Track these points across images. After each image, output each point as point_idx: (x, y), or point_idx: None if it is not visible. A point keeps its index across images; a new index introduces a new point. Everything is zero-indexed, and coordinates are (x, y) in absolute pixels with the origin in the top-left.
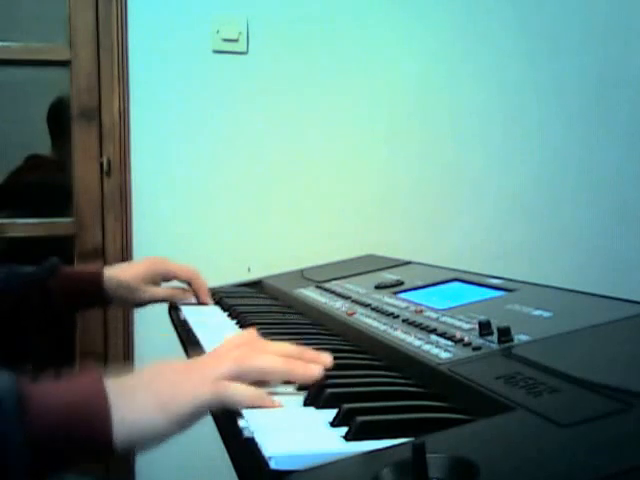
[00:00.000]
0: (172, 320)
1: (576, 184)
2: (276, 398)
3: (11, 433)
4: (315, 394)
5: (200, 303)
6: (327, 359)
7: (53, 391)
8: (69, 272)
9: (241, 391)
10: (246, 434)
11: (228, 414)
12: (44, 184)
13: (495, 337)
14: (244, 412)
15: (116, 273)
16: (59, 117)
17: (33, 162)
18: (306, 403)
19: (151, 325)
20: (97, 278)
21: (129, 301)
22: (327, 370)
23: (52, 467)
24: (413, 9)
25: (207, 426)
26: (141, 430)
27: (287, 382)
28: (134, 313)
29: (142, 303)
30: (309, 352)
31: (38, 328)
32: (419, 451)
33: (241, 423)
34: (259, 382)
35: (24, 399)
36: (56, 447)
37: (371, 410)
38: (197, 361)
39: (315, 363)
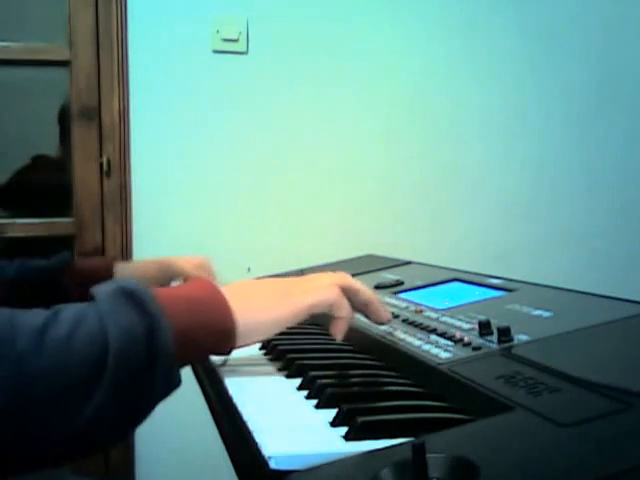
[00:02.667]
0: None
1: (576, 184)
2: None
3: (158, 323)
4: (312, 388)
5: None
6: (388, 317)
7: (173, 290)
8: (81, 265)
9: (346, 304)
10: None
11: (228, 413)
12: (52, 184)
13: (495, 337)
14: (244, 411)
15: (128, 267)
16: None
17: (40, 162)
18: (316, 404)
19: None
20: (109, 271)
21: None
22: (324, 369)
23: (189, 358)
24: (413, 9)
25: (207, 426)
26: (260, 315)
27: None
28: None
29: None
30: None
31: None
32: (419, 451)
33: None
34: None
35: (156, 295)
36: (192, 337)
37: (371, 410)
38: (303, 277)
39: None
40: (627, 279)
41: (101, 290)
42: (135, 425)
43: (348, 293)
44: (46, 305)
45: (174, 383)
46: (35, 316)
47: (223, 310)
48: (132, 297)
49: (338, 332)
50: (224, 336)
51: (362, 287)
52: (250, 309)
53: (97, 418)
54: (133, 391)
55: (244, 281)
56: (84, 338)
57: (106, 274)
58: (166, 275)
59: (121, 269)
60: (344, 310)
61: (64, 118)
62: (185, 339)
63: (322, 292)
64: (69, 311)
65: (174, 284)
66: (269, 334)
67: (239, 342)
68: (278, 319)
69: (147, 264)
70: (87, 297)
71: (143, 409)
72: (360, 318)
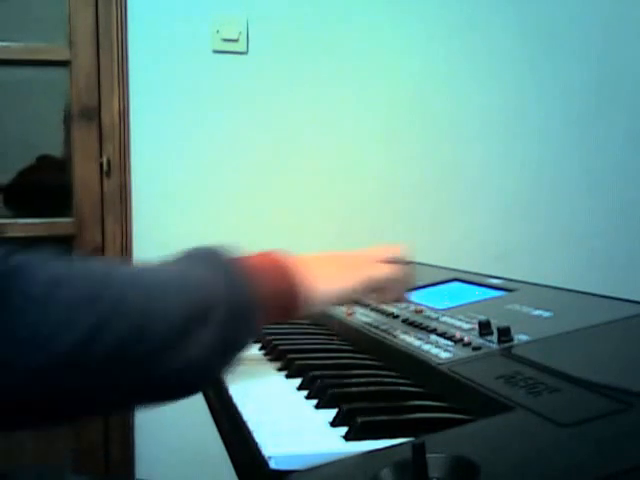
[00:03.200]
0: None
1: (576, 184)
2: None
3: (241, 286)
4: (312, 388)
5: None
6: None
7: (249, 259)
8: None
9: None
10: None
11: (228, 412)
12: (54, 184)
13: (495, 337)
14: (243, 411)
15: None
16: None
17: (44, 162)
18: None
19: None
20: None
21: None
22: (324, 369)
23: (267, 316)
24: (413, 9)
25: (207, 426)
26: (326, 287)
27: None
28: None
29: None
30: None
31: None
32: (419, 451)
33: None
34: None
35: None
36: (268, 298)
37: (371, 410)
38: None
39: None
40: (627, 279)
41: (192, 251)
42: (222, 367)
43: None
44: None
45: (254, 336)
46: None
47: (296, 277)
48: (218, 258)
49: (388, 300)
50: (295, 299)
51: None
52: (317, 278)
53: (198, 356)
54: (226, 335)
55: (312, 254)
56: (189, 282)
57: None
58: None
59: None
60: (397, 292)
61: (68, 118)
62: (263, 298)
63: (383, 269)
64: (170, 263)
65: None
66: (333, 303)
67: (309, 307)
68: (343, 289)
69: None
70: None
71: (231, 354)
72: (359, 317)
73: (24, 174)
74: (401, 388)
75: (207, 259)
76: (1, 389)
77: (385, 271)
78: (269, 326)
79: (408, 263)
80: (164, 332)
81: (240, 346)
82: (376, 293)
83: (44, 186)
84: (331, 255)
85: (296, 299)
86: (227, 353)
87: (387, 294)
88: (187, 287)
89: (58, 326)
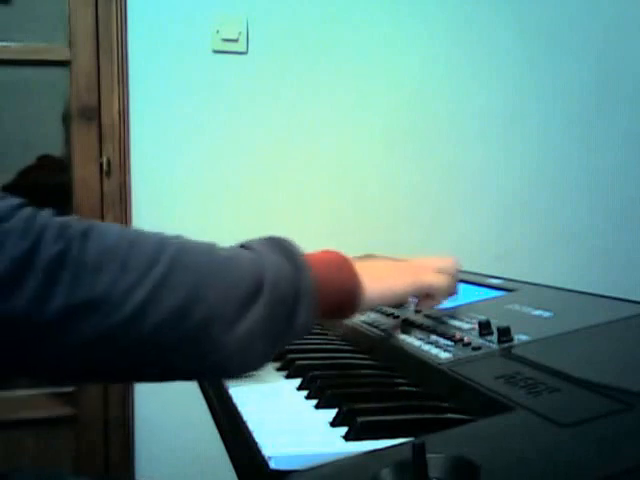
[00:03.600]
0: None
1: (576, 184)
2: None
3: (302, 267)
4: (312, 388)
5: None
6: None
7: (310, 253)
8: None
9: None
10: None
11: (228, 412)
12: (55, 184)
13: (495, 337)
14: (243, 411)
15: None
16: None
17: (45, 162)
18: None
19: None
20: None
21: None
22: (324, 369)
23: (322, 309)
24: (413, 9)
25: (207, 426)
26: (383, 286)
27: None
28: None
29: None
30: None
31: None
32: (419, 451)
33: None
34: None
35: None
36: (327, 290)
37: (371, 410)
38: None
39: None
40: (627, 279)
41: (254, 240)
42: (273, 352)
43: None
44: None
45: (310, 324)
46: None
47: (353, 275)
48: (283, 245)
49: (427, 307)
50: (352, 296)
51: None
52: (375, 278)
53: (250, 332)
54: (281, 318)
55: (370, 258)
56: (246, 261)
57: None
58: None
59: None
60: (440, 300)
61: (68, 118)
62: (322, 290)
63: (434, 276)
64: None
65: None
66: (389, 302)
67: (363, 305)
68: (395, 290)
69: None
70: None
71: (284, 338)
72: (361, 319)
73: (24, 174)
74: (401, 388)
75: (280, 246)
76: (73, 349)
77: (436, 279)
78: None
79: (456, 274)
80: (224, 300)
81: (296, 331)
82: (422, 299)
83: (44, 186)
84: (386, 260)
85: (354, 296)
86: (279, 335)
87: (432, 301)
88: (253, 265)
89: (128, 287)
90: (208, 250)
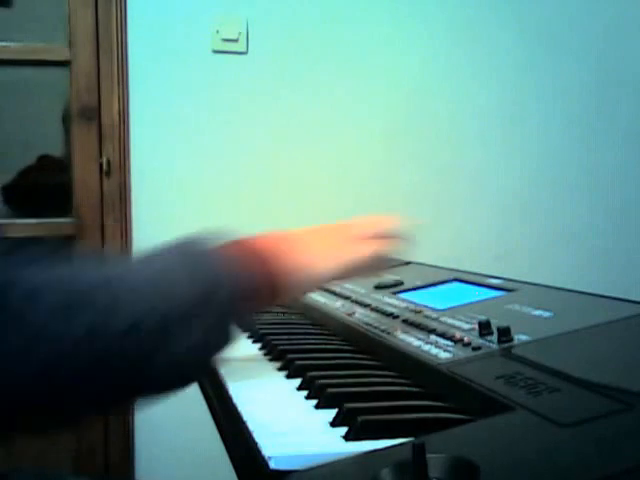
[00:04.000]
0: None
1: (576, 184)
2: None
3: (217, 280)
4: (312, 388)
5: None
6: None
7: (226, 248)
8: None
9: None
10: (248, 437)
11: (228, 412)
12: (55, 184)
13: (495, 337)
14: (243, 411)
15: None
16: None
17: (45, 162)
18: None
19: None
20: None
21: None
22: (324, 369)
23: (246, 308)
24: (412, 9)
25: (207, 426)
26: (307, 276)
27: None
28: None
29: None
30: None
31: None
32: (419, 451)
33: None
34: None
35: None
36: (244, 290)
37: (371, 410)
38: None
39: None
40: (627, 279)
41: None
42: (211, 358)
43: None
44: None
45: (229, 335)
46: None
47: (273, 263)
48: (194, 254)
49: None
50: (273, 288)
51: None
52: (302, 260)
53: (186, 351)
54: (207, 330)
55: (299, 230)
56: (168, 280)
57: None
58: None
59: None
60: (381, 266)
61: (67, 118)
62: (239, 292)
63: (371, 247)
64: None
65: None
66: (318, 285)
67: (290, 293)
68: (327, 272)
69: None
70: None
71: (215, 346)
72: (360, 317)
73: (24, 174)
74: (401, 388)
75: (185, 253)
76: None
77: (373, 249)
78: (268, 326)
79: (401, 236)
80: (139, 336)
81: (222, 341)
82: (359, 273)
83: (44, 186)
84: (319, 232)
85: (276, 285)
86: (210, 347)
87: (370, 271)
88: (160, 287)
89: (39, 336)
90: (124, 278)
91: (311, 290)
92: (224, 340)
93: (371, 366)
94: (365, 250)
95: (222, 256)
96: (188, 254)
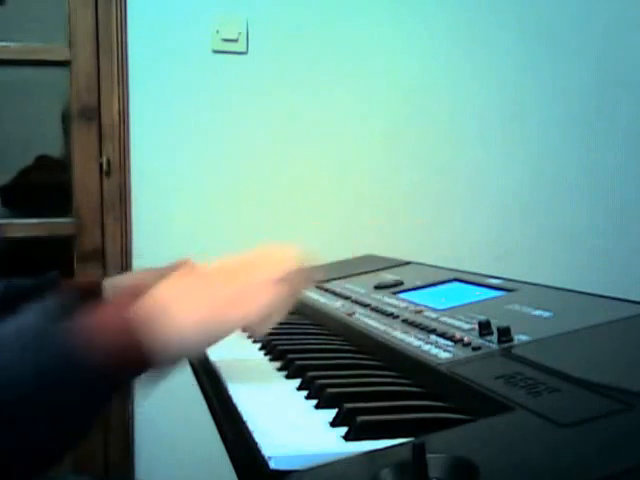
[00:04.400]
0: None
1: (576, 184)
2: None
3: (82, 366)
4: (312, 388)
5: None
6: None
7: (94, 321)
8: (69, 284)
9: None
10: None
11: (228, 412)
12: (54, 184)
13: (495, 337)
14: (243, 411)
15: (116, 281)
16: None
17: (43, 162)
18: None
19: None
20: (96, 288)
21: None
22: (324, 369)
23: (112, 390)
24: (413, 9)
25: (207, 426)
26: (182, 344)
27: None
28: None
29: None
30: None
31: None
32: (419, 451)
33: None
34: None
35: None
36: (111, 371)
37: (371, 410)
38: (248, 262)
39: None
40: (627, 279)
41: (22, 320)
42: (71, 442)
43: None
44: None
45: (93, 413)
46: None
47: (141, 333)
48: (46, 334)
49: (264, 330)
50: (141, 363)
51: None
52: (179, 326)
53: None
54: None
55: (172, 290)
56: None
57: (93, 293)
58: (154, 281)
59: (109, 285)
60: (279, 314)
61: (67, 118)
62: (103, 369)
63: (256, 302)
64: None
65: None
66: (197, 353)
67: (160, 365)
68: (204, 340)
69: (136, 276)
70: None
71: (74, 429)
72: (360, 317)
73: (22, 175)
74: (401, 388)
75: (41, 336)
76: None
77: (268, 300)
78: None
79: (304, 270)
80: None
81: (84, 421)
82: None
83: (42, 186)
84: (196, 292)
85: (144, 357)
86: (68, 429)
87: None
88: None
89: None
90: None
91: (190, 357)
92: (86, 420)
93: (371, 366)
94: (260, 304)
95: (81, 335)
96: (39, 336)
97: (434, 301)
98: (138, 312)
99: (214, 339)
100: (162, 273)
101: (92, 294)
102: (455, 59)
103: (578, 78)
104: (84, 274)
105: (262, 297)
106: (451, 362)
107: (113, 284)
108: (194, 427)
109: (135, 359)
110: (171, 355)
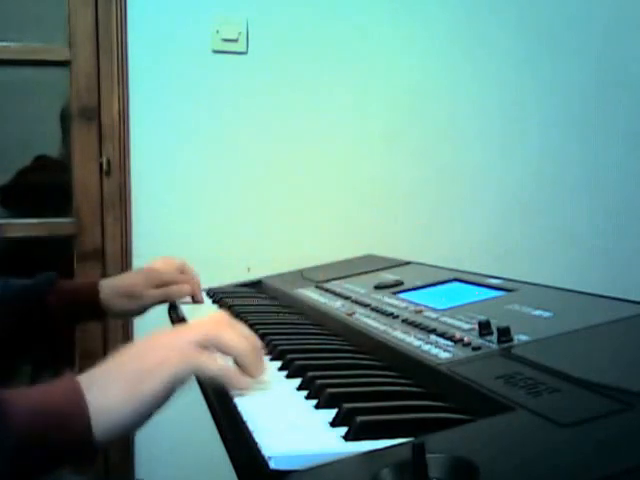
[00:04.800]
0: (171, 320)
1: (576, 184)
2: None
3: None
4: (312, 388)
5: (195, 302)
6: (260, 372)
7: (27, 396)
8: (66, 286)
9: (211, 362)
10: (243, 431)
11: (227, 412)
12: (53, 184)
13: (495, 337)
14: (243, 411)
15: (112, 282)
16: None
17: (42, 162)
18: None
19: (152, 330)
20: (93, 289)
21: (127, 309)
22: (324, 369)
23: (34, 471)
24: (413, 9)
25: (207, 426)
26: (119, 418)
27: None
28: (134, 319)
29: (140, 310)
30: (258, 354)
31: (37, 342)
32: (419, 451)
33: (241, 422)
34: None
35: (2, 404)
36: (37, 451)
37: (371, 410)
38: (165, 332)
39: (254, 370)
40: (627, 279)
41: None
42: None
43: (216, 347)
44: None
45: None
46: None
47: (77, 420)
48: None
49: (232, 387)
50: (78, 449)
51: (231, 340)
52: (104, 414)
53: None
54: None
55: (96, 376)
56: None
57: (91, 294)
58: (151, 283)
59: (105, 287)
60: (211, 370)
61: (65, 118)
62: (25, 457)
63: (178, 362)
64: None
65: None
66: (134, 427)
67: (98, 444)
68: (136, 416)
69: (131, 276)
70: (71, 317)
71: None
72: (360, 317)
73: (21, 175)
74: (401, 388)
75: None
76: None
77: (183, 365)
78: (268, 326)
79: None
80: None
81: None
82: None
83: (41, 186)
84: (119, 368)
85: (84, 437)
86: None
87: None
88: None
89: None
90: None
91: (126, 432)
92: None
93: (371, 366)
94: (173, 369)
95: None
96: None
97: (434, 301)
98: (64, 393)
99: (150, 399)
100: (154, 274)
101: (87, 296)
102: (455, 59)
103: (578, 78)
104: (84, 274)
105: (181, 358)
106: (451, 362)
107: (109, 285)
108: (194, 427)
109: (65, 436)
110: (107, 431)
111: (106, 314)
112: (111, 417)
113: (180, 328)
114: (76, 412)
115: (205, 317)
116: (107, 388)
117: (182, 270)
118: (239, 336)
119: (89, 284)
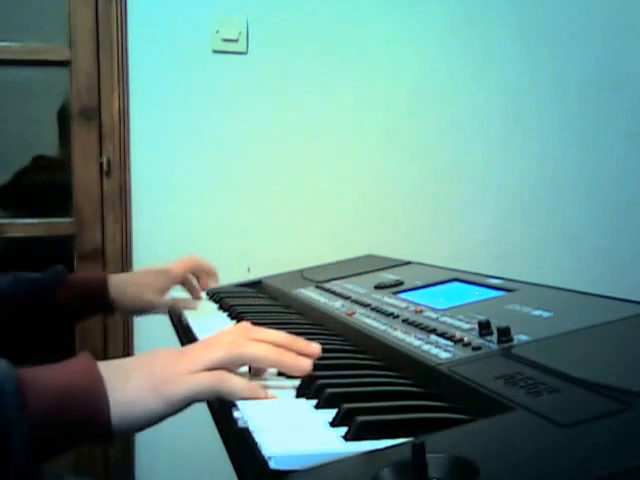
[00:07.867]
0: (172, 322)
1: (576, 184)
2: (270, 391)
3: (14, 420)
4: (312, 388)
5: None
6: (316, 349)
7: (47, 375)
8: (74, 280)
9: (236, 383)
10: (243, 431)
11: (227, 412)
12: (52, 184)
13: (495, 337)
14: (244, 412)
15: (122, 279)
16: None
17: (40, 162)
18: (299, 394)
19: (152, 329)
20: (102, 284)
21: (134, 307)
22: (324, 369)
23: (51, 451)
24: (413, 9)
25: (207, 426)
26: (136, 411)
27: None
28: (134, 318)
29: (145, 310)
30: (300, 341)
31: (43, 335)
32: (419, 451)
33: (240, 422)
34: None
35: (21, 384)
36: (54, 431)
37: (371, 410)
38: (190, 347)
39: (305, 353)
40: (627, 279)
41: None
42: None
43: (242, 363)
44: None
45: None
46: None
47: (96, 403)
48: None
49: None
50: (94, 432)
51: (256, 353)
52: (122, 403)
53: None
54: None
55: (121, 366)
56: None
57: (99, 288)
58: (162, 282)
59: (115, 282)
60: (235, 393)
61: (63, 118)
62: (45, 435)
63: (200, 380)
64: None
65: (172, 292)
66: (142, 428)
67: (116, 433)
68: (151, 414)
69: (141, 274)
70: (80, 311)
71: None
72: (360, 317)
73: (20, 175)
74: (401, 388)
75: None
76: None
77: (204, 385)
78: (268, 326)
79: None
80: None
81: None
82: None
83: (40, 186)
84: (143, 368)
85: (102, 420)
86: None
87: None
88: None
89: None
90: None
91: (145, 426)
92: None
93: (371, 366)
94: (194, 386)
95: (30, 392)
96: None
97: (434, 301)
98: (88, 379)
99: (169, 402)
100: (164, 272)
101: (96, 290)
102: (456, 59)
103: (578, 78)
104: None
105: (203, 377)
106: (451, 362)
107: (117, 282)
108: (194, 427)
109: (83, 418)
110: (124, 419)
111: (112, 310)
112: (129, 408)
113: (204, 344)
114: (96, 396)
115: (227, 329)
116: (130, 381)
117: (196, 272)
118: (264, 345)
119: (98, 278)
